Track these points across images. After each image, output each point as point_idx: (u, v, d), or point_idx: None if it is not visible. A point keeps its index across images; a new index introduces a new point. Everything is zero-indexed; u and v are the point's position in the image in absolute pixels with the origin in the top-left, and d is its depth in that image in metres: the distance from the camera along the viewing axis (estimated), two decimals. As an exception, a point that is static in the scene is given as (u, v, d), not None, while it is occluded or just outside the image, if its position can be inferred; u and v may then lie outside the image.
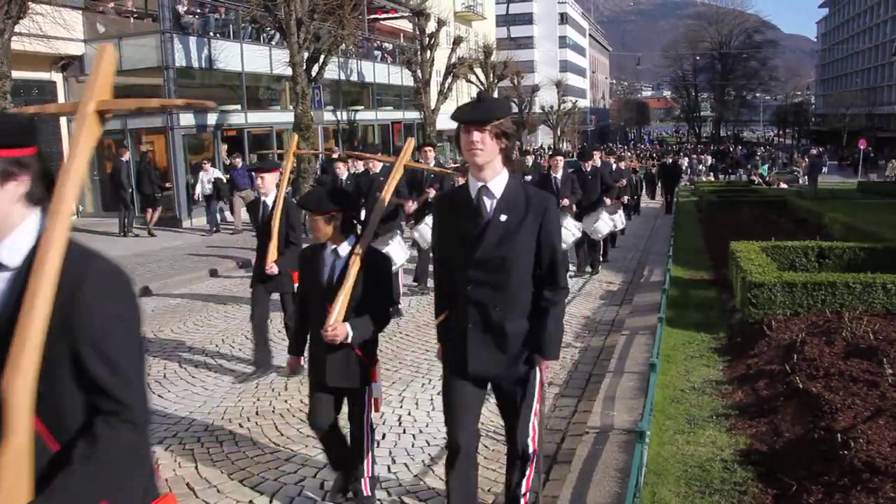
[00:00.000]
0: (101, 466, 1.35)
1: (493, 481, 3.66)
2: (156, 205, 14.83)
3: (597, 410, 4.49)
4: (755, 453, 3.69)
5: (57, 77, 16.07)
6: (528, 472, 2.89)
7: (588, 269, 10.04)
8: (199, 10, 17.51)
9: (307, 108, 16.78)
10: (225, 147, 17.72)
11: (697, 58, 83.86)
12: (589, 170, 10.03)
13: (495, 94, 37.40)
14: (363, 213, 7.62)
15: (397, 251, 6.88)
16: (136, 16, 18.16)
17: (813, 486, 3.12)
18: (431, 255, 3.59)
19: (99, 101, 1.44)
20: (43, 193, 1.41)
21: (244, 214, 12.47)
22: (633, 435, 3.80)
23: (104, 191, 17.09)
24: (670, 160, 25.60)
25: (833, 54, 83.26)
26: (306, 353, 3.43)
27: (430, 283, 5.65)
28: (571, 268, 9.65)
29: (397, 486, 3.73)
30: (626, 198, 13.81)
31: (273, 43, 19.33)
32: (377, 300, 3.17)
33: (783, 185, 28.14)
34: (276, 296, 5.60)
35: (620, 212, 12.05)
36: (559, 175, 9.02)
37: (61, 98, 16.27)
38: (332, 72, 21.04)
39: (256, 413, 4.83)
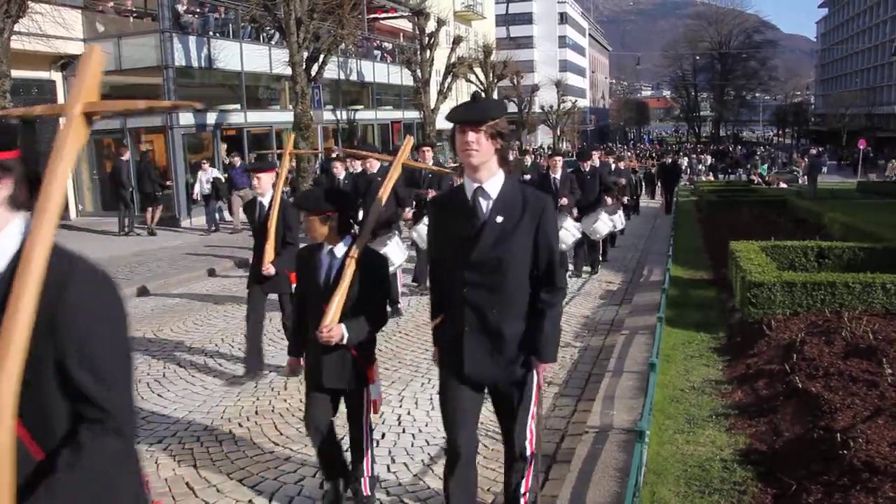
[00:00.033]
0: (85, 475, 1.33)
1: (493, 481, 3.66)
2: (156, 204, 14.84)
3: (596, 410, 4.49)
4: (755, 453, 3.69)
5: (56, 76, 16.06)
6: (526, 474, 2.89)
7: (587, 269, 10.05)
8: (198, 10, 17.50)
9: (307, 107, 16.78)
10: (224, 146, 17.72)
11: (697, 58, 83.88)
12: (588, 170, 10.03)
13: (495, 94, 37.46)
14: (361, 214, 7.64)
15: (395, 251, 6.88)
16: (135, 15, 18.16)
17: (812, 486, 3.12)
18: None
19: (86, 103, 1.41)
20: (27, 197, 1.38)
21: (242, 214, 12.46)
22: (632, 434, 3.80)
23: (104, 190, 17.09)
24: (670, 160, 25.59)
25: (833, 54, 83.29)
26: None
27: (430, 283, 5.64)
28: (570, 268, 9.65)
29: (397, 485, 3.73)
30: (625, 198, 13.82)
31: (272, 42, 19.33)
32: (373, 301, 3.15)
33: (783, 185, 28.17)
34: (274, 296, 5.60)
35: (620, 212, 12.06)
36: (558, 175, 9.02)
37: (61, 97, 16.25)
38: (331, 71, 21.05)
39: (256, 413, 4.83)
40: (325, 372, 3.16)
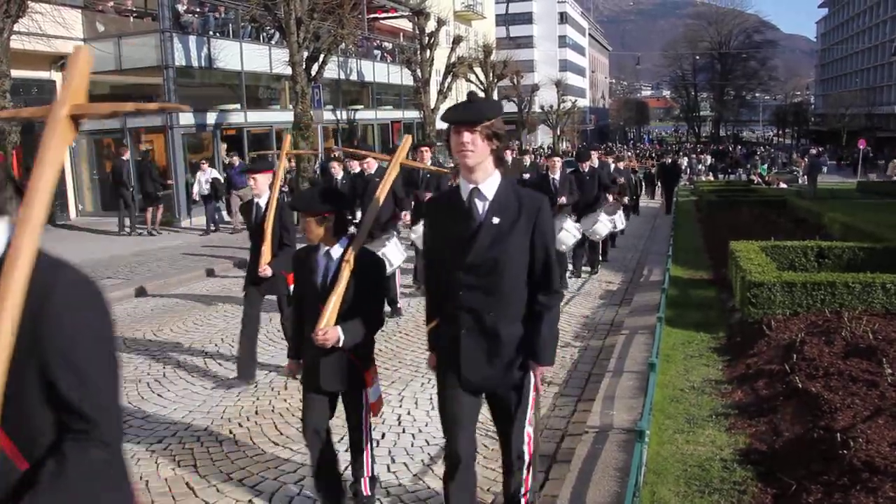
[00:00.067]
0: (69, 487, 1.30)
1: (493, 481, 3.66)
2: (157, 203, 14.85)
3: (596, 410, 4.49)
4: (754, 453, 3.69)
5: (56, 76, 16.04)
6: (525, 476, 2.89)
7: (587, 269, 10.05)
8: (198, 9, 17.50)
9: (307, 107, 16.79)
10: (224, 146, 17.72)
11: (697, 57, 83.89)
12: (587, 171, 10.03)
13: (495, 94, 37.44)
14: (359, 215, 7.63)
15: (394, 252, 6.88)
16: (135, 15, 18.16)
17: (812, 486, 3.12)
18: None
19: (73, 105, 1.36)
20: (7, 203, 1.35)
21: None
22: (632, 434, 3.80)
23: (104, 190, 17.09)
24: (670, 160, 25.61)
25: (832, 54, 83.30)
26: None
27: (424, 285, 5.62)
28: (570, 268, 9.65)
29: (397, 485, 3.73)
30: (626, 198, 13.81)
31: (273, 42, 19.33)
32: (369, 303, 3.12)
33: (782, 185, 28.16)
34: (273, 296, 5.58)
35: (620, 212, 12.05)
36: (557, 176, 9.01)
37: (61, 97, 16.22)
38: (331, 71, 21.04)
39: (256, 412, 4.83)
40: (322, 374, 3.13)
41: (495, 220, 2.57)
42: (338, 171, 9.29)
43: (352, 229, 3.28)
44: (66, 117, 1.35)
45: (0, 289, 1.24)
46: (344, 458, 3.52)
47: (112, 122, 15.96)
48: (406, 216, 7.87)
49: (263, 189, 5.30)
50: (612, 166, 13.43)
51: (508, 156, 13.23)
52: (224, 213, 15.94)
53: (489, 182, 2.59)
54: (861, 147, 36.87)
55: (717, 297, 7.72)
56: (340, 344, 3.03)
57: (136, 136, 16.78)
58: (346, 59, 23.66)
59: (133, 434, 4.49)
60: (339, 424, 3.40)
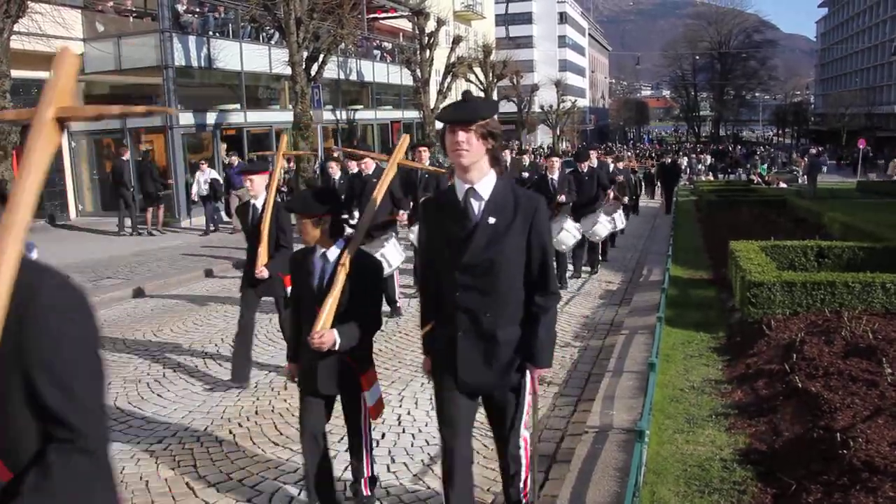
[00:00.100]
0: (53, 497, 1.27)
1: (493, 481, 3.65)
2: (158, 203, 14.85)
3: (596, 410, 4.49)
4: (754, 452, 3.69)
5: (56, 76, 16.05)
6: (524, 478, 2.89)
7: (587, 269, 10.04)
8: (198, 10, 17.49)
9: (306, 107, 16.78)
10: (224, 146, 17.72)
11: (697, 57, 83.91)
12: (585, 171, 10.02)
13: (494, 94, 37.43)
14: (357, 215, 7.62)
15: (393, 253, 6.88)
16: (135, 15, 18.15)
17: (812, 486, 3.12)
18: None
19: (58, 108, 1.32)
20: None
21: (237, 215, 12.46)
22: (632, 434, 3.80)
23: (104, 190, 17.09)
24: (669, 160, 25.58)
25: (832, 54, 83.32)
26: None
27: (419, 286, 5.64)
28: (570, 268, 9.65)
29: (397, 485, 3.73)
30: (625, 198, 13.80)
31: (272, 42, 19.33)
32: (366, 306, 3.09)
33: (782, 185, 28.16)
34: (270, 297, 5.57)
35: (620, 212, 12.05)
36: (555, 176, 9.01)
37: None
38: (331, 71, 21.03)
39: (256, 413, 4.83)
40: (319, 377, 3.11)
41: (491, 221, 2.55)
42: (335, 172, 9.28)
43: (349, 230, 3.25)
44: (51, 120, 1.31)
45: None
46: (344, 459, 3.51)
47: (112, 123, 15.96)
48: (403, 216, 7.85)
49: (260, 190, 5.27)
50: (612, 166, 13.44)
51: (507, 155, 13.26)
52: (223, 213, 15.95)
53: (485, 182, 2.57)
54: (861, 147, 36.85)
55: (716, 297, 7.72)
56: (337, 347, 3.00)
57: (137, 137, 16.78)
58: (346, 59, 23.65)
59: (133, 434, 4.50)
60: (339, 424, 3.40)
